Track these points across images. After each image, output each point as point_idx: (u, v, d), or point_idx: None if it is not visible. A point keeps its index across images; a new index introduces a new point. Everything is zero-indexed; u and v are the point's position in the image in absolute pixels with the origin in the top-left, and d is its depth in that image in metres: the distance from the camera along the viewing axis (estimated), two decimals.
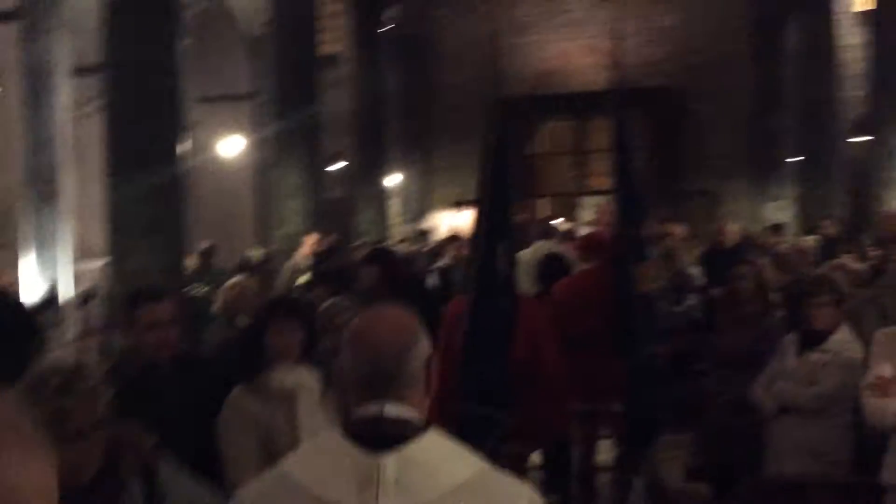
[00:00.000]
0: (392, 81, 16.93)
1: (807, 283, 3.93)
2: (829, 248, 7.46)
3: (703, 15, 16.96)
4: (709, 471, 5.53)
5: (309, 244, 9.86)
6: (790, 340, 3.98)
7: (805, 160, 13.45)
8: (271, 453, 3.07)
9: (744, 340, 4.78)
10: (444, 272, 8.38)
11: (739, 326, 4.86)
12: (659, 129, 16.30)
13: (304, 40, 10.76)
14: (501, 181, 4.42)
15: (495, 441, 3.66)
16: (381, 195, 15.20)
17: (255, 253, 10.10)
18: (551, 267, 5.40)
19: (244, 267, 9.22)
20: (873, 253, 7.25)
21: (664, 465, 6.20)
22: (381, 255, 5.60)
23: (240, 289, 5.62)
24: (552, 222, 11.75)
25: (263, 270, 9.70)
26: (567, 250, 7.29)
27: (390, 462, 1.54)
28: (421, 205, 17.93)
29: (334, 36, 18.19)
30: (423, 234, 12.94)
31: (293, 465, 1.64)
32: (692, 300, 7.41)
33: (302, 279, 9.02)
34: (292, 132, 10.49)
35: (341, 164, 16.61)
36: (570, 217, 16.45)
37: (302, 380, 3.19)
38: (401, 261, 5.92)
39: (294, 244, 10.19)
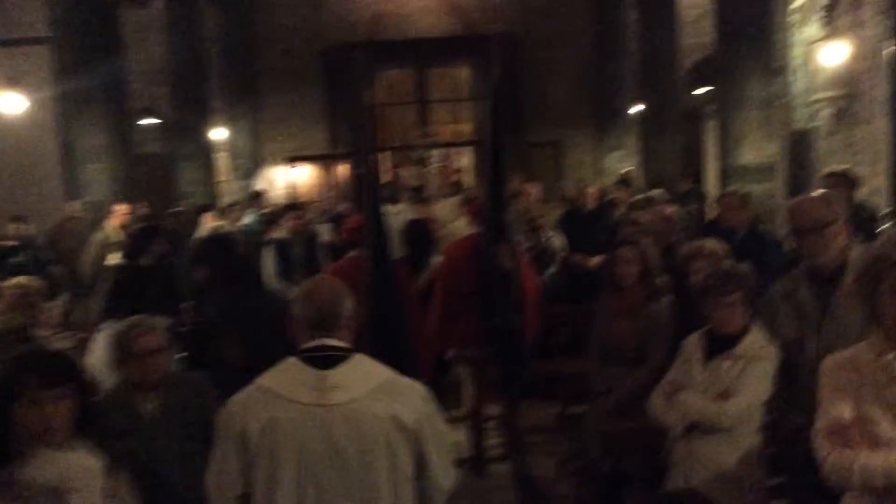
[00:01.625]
0: (210, 26, 15.34)
1: (713, 279, 3.34)
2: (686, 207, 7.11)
3: None
4: (582, 466, 5.06)
5: (118, 214, 8.57)
6: (694, 344, 3.40)
7: (646, 109, 13.29)
8: None
9: (628, 333, 4.22)
10: (282, 247, 7.39)
11: (623, 317, 4.28)
12: (501, 78, 15.70)
13: None
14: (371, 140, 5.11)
15: None
16: (205, 151, 13.76)
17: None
18: (417, 233, 5.86)
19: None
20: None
21: (536, 455, 5.74)
22: (210, 254, 4.66)
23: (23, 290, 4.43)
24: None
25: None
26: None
27: (331, 374, 2.37)
28: (251, 160, 16.58)
29: None
30: (256, 197, 11.74)
31: (267, 379, 2.41)
32: (553, 268, 6.88)
33: (112, 257, 7.79)
34: (93, 84, 9.00)
35: (153, 120, 14.96)
36: (413, 171, 15.75)
37: (72, 471, 2.24)
38: (232, 250, 4.90)
39: (101, 213, 8.85)
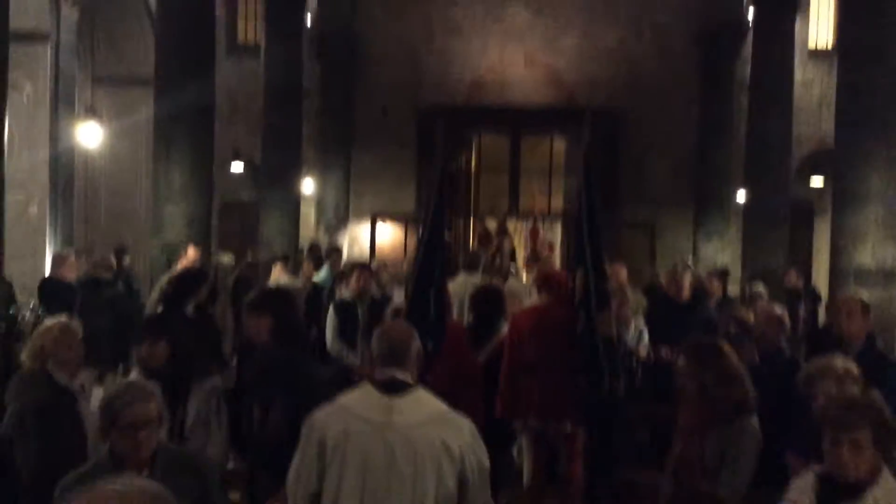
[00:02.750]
0: (312, 79, 15.45)
1: (835, 408, 2.69)
2: (795, 308, 6.35)
3: (647, 35, 16.01)
4: None
5: (190, 257, 8.34)
6: (806, 489, 2.73)
7: (751, 198, 12.49)
8: None
9: (696, 454, 3.54)
10: (345, 308, 6.96)
11: (693, 434, 3.60)
12: (597, 153, 15.20)
13: (200, 20, 9.20)
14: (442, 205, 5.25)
15: None
16: (293, 202, 13.65)
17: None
18: (487, 300, 5.81)
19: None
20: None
21: None
22: (270, 303, 4.20)
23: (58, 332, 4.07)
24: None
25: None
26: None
27: (397, 401, 2.89)
28: (337, 215, 16.46)
29: (253, 24, 16.66)
30: (334, 252, 11.43)
31: (346, 400, 2.95)
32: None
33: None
34: (184, 124, 8.93)
35: (241, 165, 15.09)
36: (500, 239, 15.28)
37: None
38: (292, 305, 4.42)
39: (175, 255, 8.65)
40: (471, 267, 8.67)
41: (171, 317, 3.97)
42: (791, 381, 4.08)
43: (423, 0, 16.09)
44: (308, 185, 15.87)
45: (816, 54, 15.52)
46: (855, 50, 8.46)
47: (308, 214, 16.02)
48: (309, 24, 15.58)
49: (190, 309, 4.86)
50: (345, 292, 7.30)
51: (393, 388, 2.88)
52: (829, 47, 15.62)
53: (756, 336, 5.18)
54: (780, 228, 11.66)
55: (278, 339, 4.01)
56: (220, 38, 16.55)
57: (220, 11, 16.57)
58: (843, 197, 8.31)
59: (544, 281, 5.67)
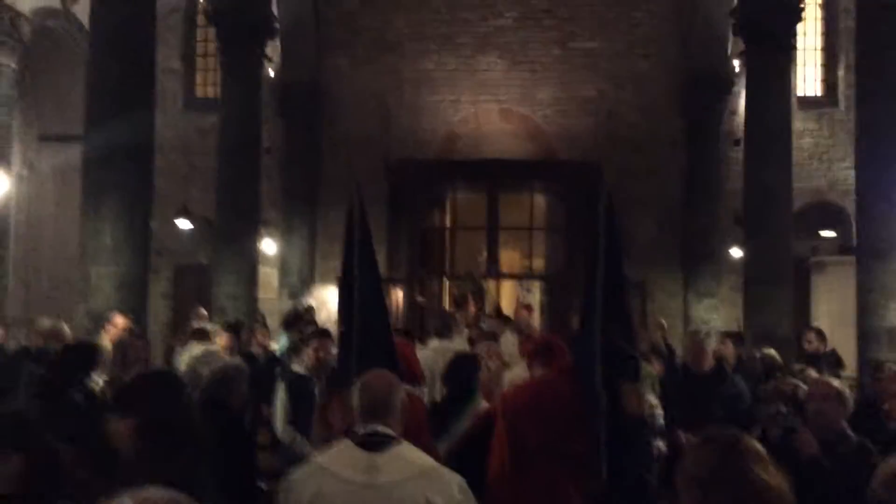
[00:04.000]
0: (275, 134, 14.47)
1: None
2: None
3: (628, 86, 15.26)
4: None
5: (115, 327, 7.14)
6: None
7: (750, 255, 11.50)
8: None
9: None
10: (297, 384, 5.81)
11: None
12: (579, 208, 14.27)
13: (137, 64, 8.15)
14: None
15: None
16: (250, 264, 12.48)
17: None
18: (463, 369, 4.84)
19: None
20: None
21: None
22: (133, 398, 2.92)
23: None
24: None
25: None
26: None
27: (378, 457, 2.75)
28: (302, 277, 15.29)
29: (212, 77, 15.73)
30: (296, 318, 10.22)
31: (324, 459, 2.84)
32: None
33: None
34: (112, 176, 7.82)
35: (188, 223, 13.98)
36: (477, 302, 14.17)
37: None
38: (175, 396, 2.99)
39: (98, 324, 7.45)
40: (443, 332, 7.60)
41: (33, 417, 2.69)
42: (863, 475, 3.05)
43: (391, 50, 15.28)
44: (269, 247, 14.74)
45: (805, 102, 14.82)
46: (872, 90, 7.63)
47: (270, 277, 14.86)
48: (272, 76, 14.70)
49: (79, 397, 3.64)
50: (297, 366, 6.13)
51: (373, 443, 2.78)
52: (820, 94, 14.97)
53: (809, 419, 4.10)
54: (783, 288, 10.64)
55: (146, 449, 2.71)
56: (178, 92, 15.67)
57: (177, 64, 15.75)
58: (868, 251, 7.35)
59: (542, 349, 4.59)
